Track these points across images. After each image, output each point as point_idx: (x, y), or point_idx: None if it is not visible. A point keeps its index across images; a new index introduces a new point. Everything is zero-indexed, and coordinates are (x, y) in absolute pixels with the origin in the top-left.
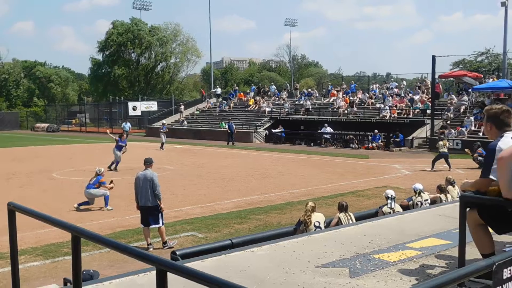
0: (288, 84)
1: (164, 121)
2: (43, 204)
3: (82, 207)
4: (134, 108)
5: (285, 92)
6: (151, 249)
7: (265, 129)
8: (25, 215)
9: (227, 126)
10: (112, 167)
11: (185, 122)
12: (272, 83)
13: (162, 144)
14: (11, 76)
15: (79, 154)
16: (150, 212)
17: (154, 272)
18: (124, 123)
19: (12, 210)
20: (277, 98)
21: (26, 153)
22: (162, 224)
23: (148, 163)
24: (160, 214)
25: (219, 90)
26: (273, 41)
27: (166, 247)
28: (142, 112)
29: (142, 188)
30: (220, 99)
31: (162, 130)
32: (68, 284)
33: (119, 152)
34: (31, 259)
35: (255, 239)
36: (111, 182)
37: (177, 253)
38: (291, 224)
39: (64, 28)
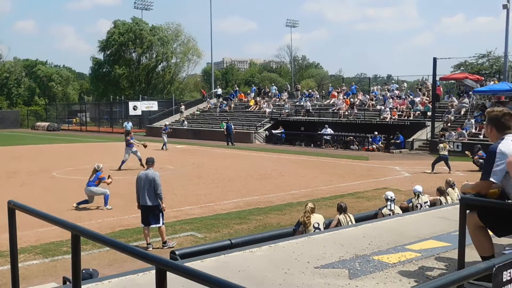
0: (288, 85)
1: (166, 122)
2: (43, 203)
3: (81, 206)
4: (135, 108)
5: (286, 93)
6: (151, 249)
7: (265, 130)
8: (25, 213)
9: (225, 127)
10: (122, 167)
11: (186, 122)
12: (273, 84)
13: (164, 144)
14: (12, 75)
15: (79, 153)
16: (151, 211)
17: (153, 272)
18: (126, 123)
19: (12, 208)
20: (278, 99)
21: (26, 152)
22: (163, 224)
23: (150, 162)
24: (161, 214)
25: (219, 91)
26: (274, 42)
27: (165, 247)
28: (142, 112)
29: (143, 187)
30: (221, 99)
31: (164, 132)
32: (68, 283)
33: (130, 150)
34: (30, 258)
35: (254, 240)
36: (109, 177)
37: (176, 253)
38: (290, 225)
39: (65, 27)
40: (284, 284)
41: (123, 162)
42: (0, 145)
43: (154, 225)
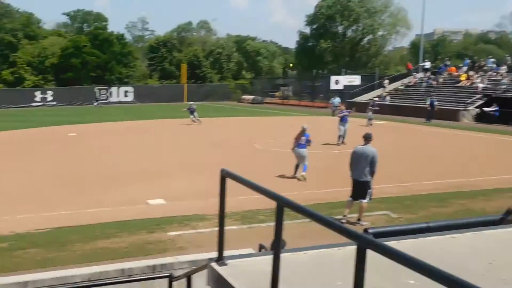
0: (509, 58)
1: (376, 98)
2: (245, 172)
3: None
4: (337, 82)
5: (505, 67)
6: (344, 221)
7: (476, 108)
8: (236, 182)
9: (429, 102)
10: (340, 141)
11: (388, 97)
12: (491, 56)
13: (370, 119)
14: (224, 51)
15: (279, 126)
16: (361, 187)
17: (349, 248)
18: (333, 98)
19: (224, 176)
20: (495, 74)
21: (230, 123)
22: (369, 200)
23: (368, 138)
24: (369, 191)
25: (427, 64)
26: (495, 9)
27: (358, 225)
28: (344, 86)
29: (358, 162)
30: (428, 73)
31: (371, 107)
32: (263, 250)
33: (342, 127)
34: (230, 223)
35: (454, 225)
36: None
37: (370, 231)
38: (497, 213)
39: (274, 2)
40: (487, 276)
41: (339, 136)
42: (208, 116)
43: (360, 200)
